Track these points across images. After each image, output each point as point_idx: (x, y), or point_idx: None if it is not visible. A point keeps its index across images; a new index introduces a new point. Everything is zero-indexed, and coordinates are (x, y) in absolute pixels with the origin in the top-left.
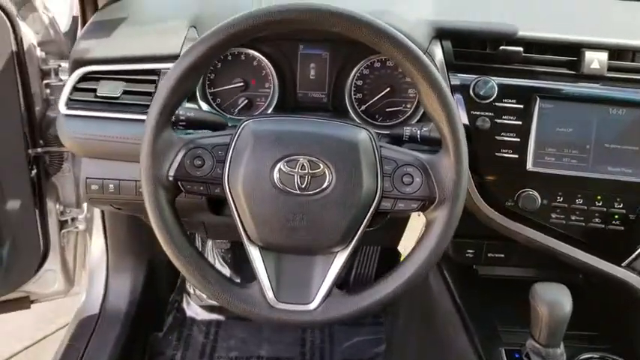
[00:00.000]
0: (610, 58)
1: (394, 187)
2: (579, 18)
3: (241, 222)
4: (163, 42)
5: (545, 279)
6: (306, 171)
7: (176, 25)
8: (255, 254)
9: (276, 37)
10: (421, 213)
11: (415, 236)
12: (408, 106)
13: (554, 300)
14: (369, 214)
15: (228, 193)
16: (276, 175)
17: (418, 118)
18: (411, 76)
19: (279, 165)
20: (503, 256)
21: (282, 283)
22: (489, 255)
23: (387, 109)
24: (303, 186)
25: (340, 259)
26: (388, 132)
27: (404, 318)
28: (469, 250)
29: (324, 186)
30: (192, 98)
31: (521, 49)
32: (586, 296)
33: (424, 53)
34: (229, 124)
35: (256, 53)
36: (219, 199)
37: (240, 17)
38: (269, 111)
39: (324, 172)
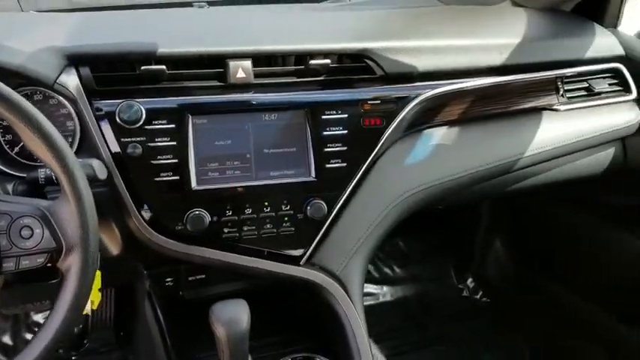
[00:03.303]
0: (257, 65)
1: (13, 244)
2: (222, 30)
3: None
4: None
5: (256, 289)
6: None
7: None
8: None
9: None
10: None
11: None
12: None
13: (231, 319)
14: None
15: None
16: None
17: None
18: (5, 118)
19: None
20: (204, 276)
21: None
22: (190, 279)
23: None
24: None
25: None
26: (25, 176)
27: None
28: (168, 279)
29: None
30: None
31: (164, 67)
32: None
33: (53, 84)
34: None
35: None
36: None
37: None
38: None
39: None
